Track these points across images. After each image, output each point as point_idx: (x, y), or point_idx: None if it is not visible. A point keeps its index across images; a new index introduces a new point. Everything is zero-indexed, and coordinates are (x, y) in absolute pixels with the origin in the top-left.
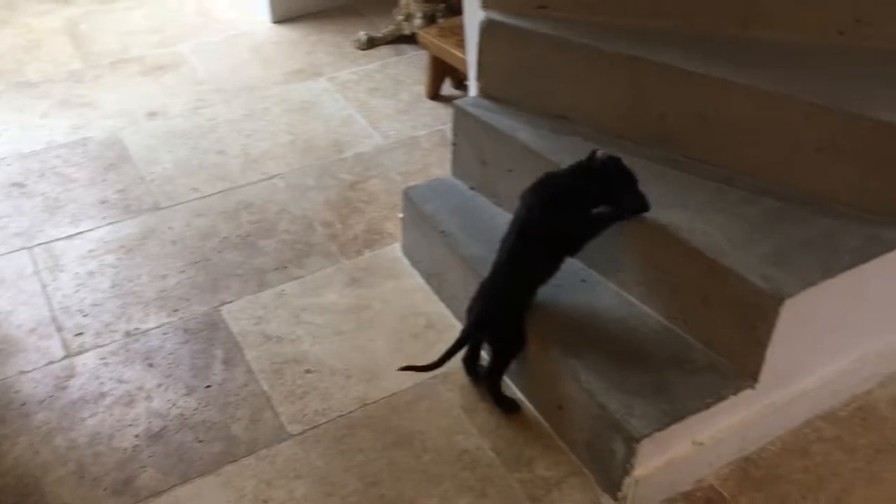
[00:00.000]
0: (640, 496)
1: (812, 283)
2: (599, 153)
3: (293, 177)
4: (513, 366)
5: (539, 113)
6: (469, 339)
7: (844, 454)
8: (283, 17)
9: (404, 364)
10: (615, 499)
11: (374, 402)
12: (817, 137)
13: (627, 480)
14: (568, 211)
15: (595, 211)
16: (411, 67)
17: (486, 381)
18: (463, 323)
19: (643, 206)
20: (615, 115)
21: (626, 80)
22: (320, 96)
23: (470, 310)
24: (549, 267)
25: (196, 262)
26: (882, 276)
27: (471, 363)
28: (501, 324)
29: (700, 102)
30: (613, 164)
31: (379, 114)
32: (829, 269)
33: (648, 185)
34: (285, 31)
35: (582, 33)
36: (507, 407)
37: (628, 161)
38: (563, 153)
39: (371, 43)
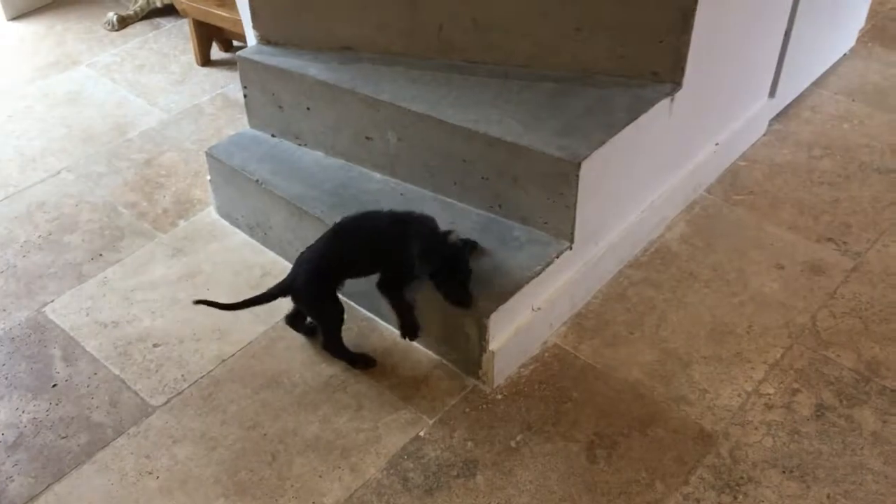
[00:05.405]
0: (498, 369)
1: (601, 143)
2: (453, 236)
3: (81, 167)
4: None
5: (323, 48)
6: (271, 299)
7: (654, 290)
8: (18, 12)
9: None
10: (477, 377)
11: (231, 357)
12: (573, 18)
13: (485, 357)
14: (405, 262)
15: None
16: (174, 38)
17: (325, 350)
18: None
19: (463, 303)
20: (396, 35)
21: None
22: (85, 84)
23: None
24: (367, 272)
25: (1, 272)
26: (650, 127)
27: (294, 321)
28: (311, 298)
29: (469, 8)
30: (459, 253)
31: (153, 89)
32: (611, 129)
33: (440, 91)
34: (25, 27)
35: None
36: (363, 363)
37: (415, 75)
38: (357, 81)
39: (123, 22)
